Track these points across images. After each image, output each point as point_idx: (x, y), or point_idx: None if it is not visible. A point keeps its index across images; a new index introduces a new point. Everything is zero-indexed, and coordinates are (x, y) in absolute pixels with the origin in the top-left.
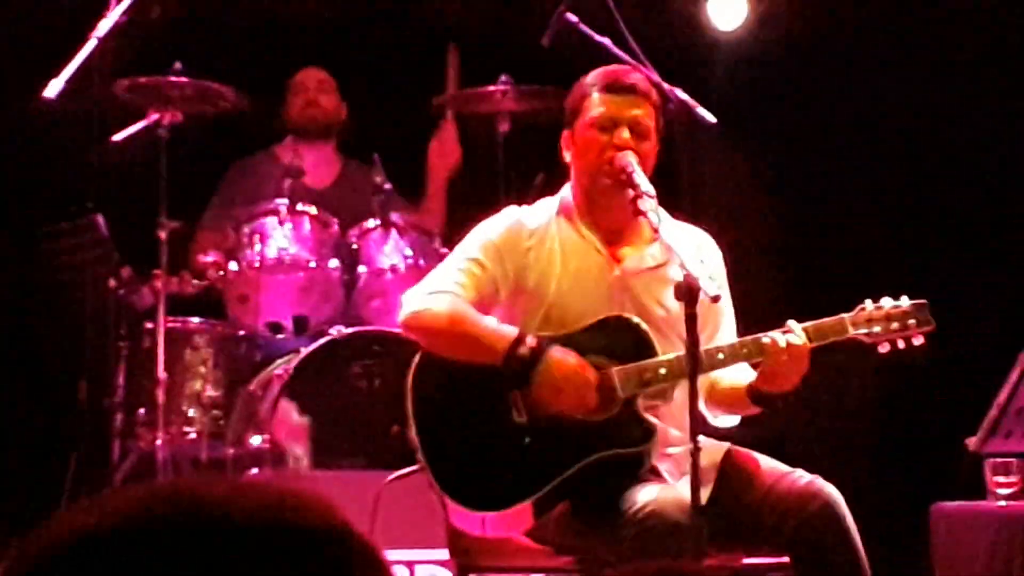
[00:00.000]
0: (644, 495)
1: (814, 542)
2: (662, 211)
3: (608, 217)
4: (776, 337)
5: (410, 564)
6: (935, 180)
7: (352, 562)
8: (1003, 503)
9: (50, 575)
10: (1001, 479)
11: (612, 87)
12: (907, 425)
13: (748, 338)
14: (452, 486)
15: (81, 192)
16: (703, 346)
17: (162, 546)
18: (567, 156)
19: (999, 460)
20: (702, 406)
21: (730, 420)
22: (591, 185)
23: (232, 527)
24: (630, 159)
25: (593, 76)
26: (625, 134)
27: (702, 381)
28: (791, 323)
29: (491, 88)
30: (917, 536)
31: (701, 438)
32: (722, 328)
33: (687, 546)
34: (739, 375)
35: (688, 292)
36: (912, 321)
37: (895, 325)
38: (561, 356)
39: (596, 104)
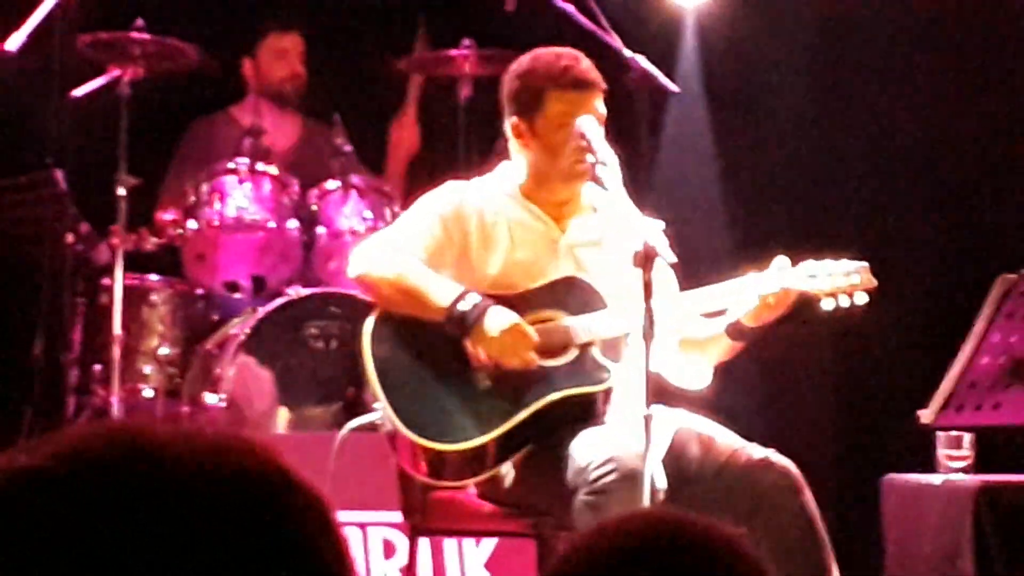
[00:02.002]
0: (603, 446)
1: (771, 516)
2: (617, 179)
3: (557, 190)
4: (765, 282)
5: (363, 526)
6: (890, 148)
7: (293, 506)
8: (954, 477)
9: None
10: (952, 452)
11: (570, 83)
12: (860, 397)
13: (733, 282)
14: (411, 422)
15: (40, 147)
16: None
17: (97, 487)
18: (517, 144)
19: (951, 434)
20: (673, 375)
21: (700, 376)
22: (554, 171)
23: (171, 469)
24: (589, 124)
25: (545, 69)
26: None
27: (670, 347)
28: (781, 261)
29: (454, 52)
30: (869, 508)
31: (654, 405)
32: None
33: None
34: (711, 325)
35: (646, 258)
36: (856, 279)
37: (839, 282)
38: (501, 312)
39: (555, 101)
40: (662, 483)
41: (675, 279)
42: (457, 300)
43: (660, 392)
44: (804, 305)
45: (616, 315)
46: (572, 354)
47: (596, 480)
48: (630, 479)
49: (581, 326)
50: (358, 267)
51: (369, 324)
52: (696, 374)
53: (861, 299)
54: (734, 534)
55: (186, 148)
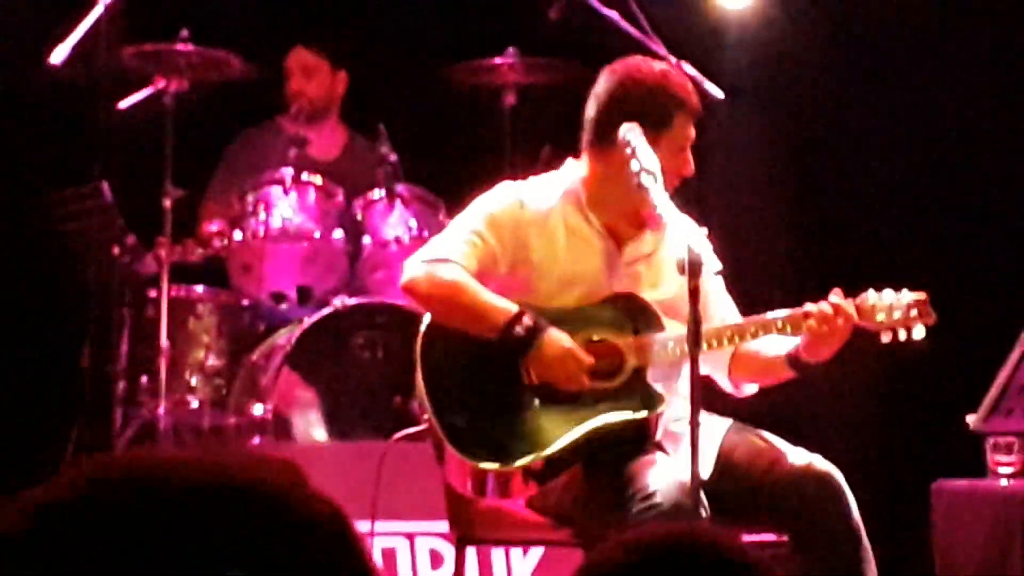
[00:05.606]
0: (650, 477)
1: (813, 521)
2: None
3: (618, 204)
4: (819, 311)
5: (410, 536)
6: (941, 158)
7: (305, 523)
8: (1004, 482)
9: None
10: (1002, 458)
11: (696, 111)
12: (909, 403)
13: (783, 312)
14: (459, 441)
15: (86, 159)
16: (709, 325)
17: (106, 513)
18: (601, 149)
19: (1000, 439)
20: (724, 380)
21: (753, 389)
22: (628, 189)
23: (178, 489)
24: (634, 133)
25: (679, 90)
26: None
27: (725, 353)
28: (836, 296)
29: (498, 60)
30: (918, 514)
31: (704, 414)
32: (724, 305)
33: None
34: (779, 344)
35: (691, 266)
36: (914, 313)
37: (897, 316)
38: (556, 338)
39: (683, 126)
40: (705, 513)
41: (723, 288)
42: (511, 323)
43: (709, 402)
44: (862, 334)
45: (670, 336)
46: (623, 376)
47: (639, 513)
48: (673, 514)
49: (635, 350)
50: (408, 278)
51: (424, 324)
52: (744, 386)
53: (919, 333)
54: (744, 545)
55: (233, 157)
